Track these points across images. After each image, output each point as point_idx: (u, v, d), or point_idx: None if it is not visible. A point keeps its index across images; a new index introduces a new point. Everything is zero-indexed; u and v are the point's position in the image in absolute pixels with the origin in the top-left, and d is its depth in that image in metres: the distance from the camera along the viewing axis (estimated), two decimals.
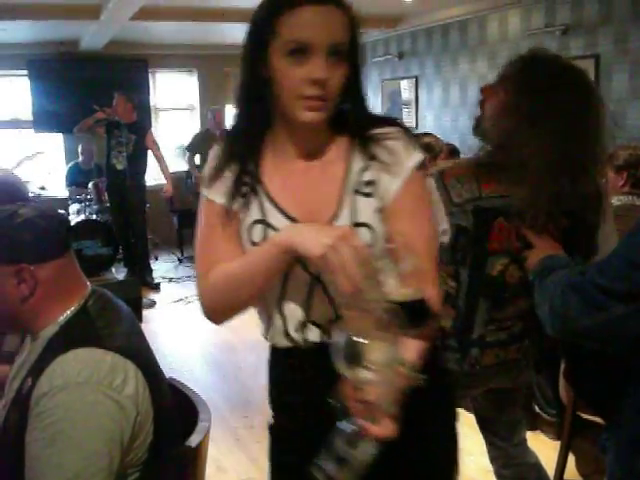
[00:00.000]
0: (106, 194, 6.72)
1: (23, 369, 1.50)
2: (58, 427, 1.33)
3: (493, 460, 2.17)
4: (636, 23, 4.97)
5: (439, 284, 1.63)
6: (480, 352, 1.75)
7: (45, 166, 7.91)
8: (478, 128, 1.79)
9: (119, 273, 6.67)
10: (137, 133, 6.36)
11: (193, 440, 1.54)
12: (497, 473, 2.17)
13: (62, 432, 1.33)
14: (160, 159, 6.64)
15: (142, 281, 6.52)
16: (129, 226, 6.51)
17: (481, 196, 1.62)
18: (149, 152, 6.50)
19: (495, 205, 1.63)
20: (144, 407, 1.44)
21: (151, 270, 6.78)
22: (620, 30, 5.11)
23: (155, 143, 6.59)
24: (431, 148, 3.79)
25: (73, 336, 1.44)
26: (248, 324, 6.05)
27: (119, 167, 6.27)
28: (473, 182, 1.63)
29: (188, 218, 7.69)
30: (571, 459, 2.98)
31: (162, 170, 6.69)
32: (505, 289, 1.70)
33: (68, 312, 1.49)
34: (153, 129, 8.16)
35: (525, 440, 2.15)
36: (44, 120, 7.87)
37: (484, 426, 2.15)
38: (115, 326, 1.51)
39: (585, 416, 2.80)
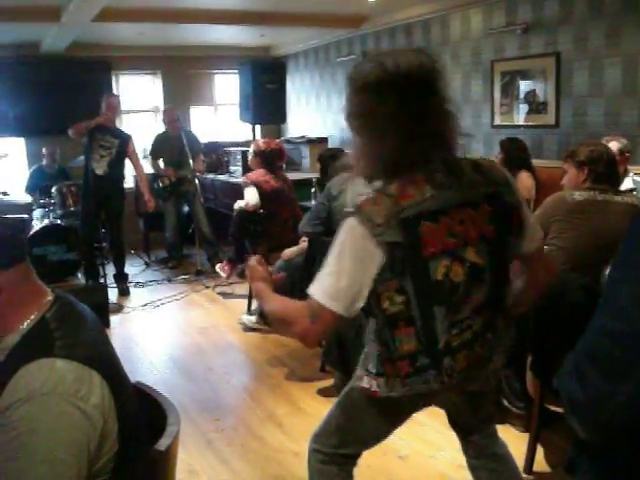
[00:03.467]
0: (72, 198, 6.61)
1: None
2: (23, 440, 1.30)
3: (465, 452, 2.20)
4: (595, 21, 5.06)
5: (387, 306, 1.68)
6: (452, 360, 1.75)
7: (7, 171, 7.79)
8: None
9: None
10: (120, 138, 6.24)
11: (162, 444, 1.52)
12: (468, 463, 2.20)
13: (27, 445, 1.30)
14: (140, 169, 6.54)
15: (119, 289, 6.45)
16: (99, 232, 6.43)
17: (401, 209, 1.63)
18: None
19: (416, 211, 1.63)
20: (110, 416, 1.42)
21: (127, 276, 6.68)
22: (580, 28, 5.19)
23: (135, 152, 6.48)
24: None
25: (36, 346, 1.42)
26: (217, 327, 6.04)
27: (99, 172, 6.10)
28: (388, 201, 1.64)
29: (155, 222, 7.64)
30: (540, 450, 3.03)
31: (141, 180, 6.60)
32: (455, 290, 1.69)
33: (29, 320, 1.46)
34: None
35: (495, 431, 2.18)
36: (5, 124, 7.72)
37: (457, 424, 2.18)
38: (79, 334, 1.48)
39: (553, 408, 2.85)
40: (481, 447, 2.14)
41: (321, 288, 1.66)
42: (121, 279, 6.54)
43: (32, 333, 1.45)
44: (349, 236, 1.64)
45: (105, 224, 6.51)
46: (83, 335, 1.49)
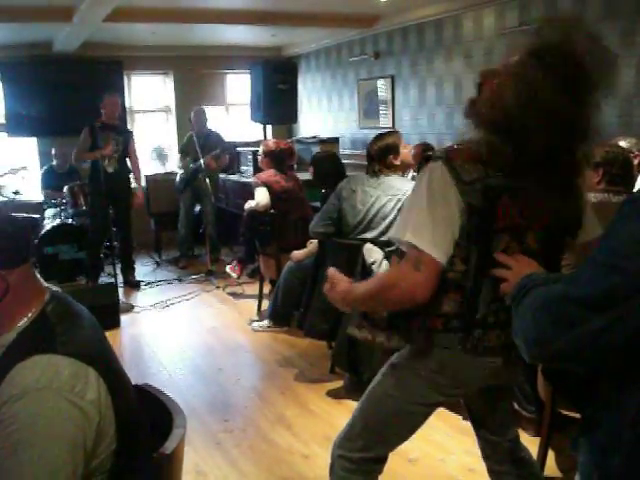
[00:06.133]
0: (83, 198, 6.63)
1: None
2: (19, 436, 1.30)
3: (487, 458, 2.16)
4: (609, 21, 5.01)
5: (447, 269, 1.70)
6: (483, 333, 1.77)
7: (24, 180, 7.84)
8: (472, 109, 1.78)
9: None
10: (123, 135, 6.41)
11: (167, 447, 1.51)
12: (490, 469, 2.16)
13: (24, 441, 1.30)
14: (137, 166, 6.70)
15: (125, 280, 6.61)
16: (110, 230, 6.48)
17: (488, 175, 1.66)
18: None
19: (501, 183, 1.67)
20: (107, 413, 1.41)
21: (134, 269, 6.81)
22: (594, 28, 5.12)
23: (135, 150, 6.65)
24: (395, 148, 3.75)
25: (31, 343, 1.42)
26: (227, 327, 6.02)
27: (110, 170, 6.22)
28: (478, 164, 1.67)
29: (166, 221, 7.65)
30: (551, 455, 2.99)
31: (137, 177, 6.74)
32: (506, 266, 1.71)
33: (26, 319, 1.47)
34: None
35: (518, 436, 2.15)
36: (17, 124, 7.76)
37: (479, 424, 2.15)
38: (75, 332, 1.48)
39: (564, 412, 2.81)
40: (505, 452, 2.10)
41: (419, 236, 1.66)
42: (129, 269, 6.67)
43: (28, 331, 1.45)
44: (438, 183, 1.67)
45: (115, 222, 6.55)
46: (79, 332, 1.49)
